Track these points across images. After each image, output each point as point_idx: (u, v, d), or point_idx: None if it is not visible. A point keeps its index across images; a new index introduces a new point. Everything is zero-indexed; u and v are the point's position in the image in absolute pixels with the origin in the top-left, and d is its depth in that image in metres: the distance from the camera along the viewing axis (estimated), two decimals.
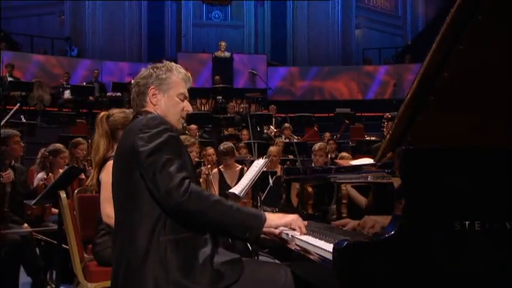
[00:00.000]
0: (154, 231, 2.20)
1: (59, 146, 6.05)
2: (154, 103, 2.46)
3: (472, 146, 2.31)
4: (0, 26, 14.28)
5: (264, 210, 4.88)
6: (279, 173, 5.99)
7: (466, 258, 2.04)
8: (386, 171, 2.20)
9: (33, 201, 4.83)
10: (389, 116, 5.72)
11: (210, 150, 7.01)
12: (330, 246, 2.13)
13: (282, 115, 13.98)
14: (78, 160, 6.48)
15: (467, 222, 2.02)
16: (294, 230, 2.51)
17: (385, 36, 21.49)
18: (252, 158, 7.92)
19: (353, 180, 2.70)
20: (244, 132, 11.80)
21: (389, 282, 2.00)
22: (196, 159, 6.69)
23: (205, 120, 12.52)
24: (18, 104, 11.30)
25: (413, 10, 21.84)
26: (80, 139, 6.93)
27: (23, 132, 8.53)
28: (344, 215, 2.75)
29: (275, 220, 2.41)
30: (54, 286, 4.53)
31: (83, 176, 5.95)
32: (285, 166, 8.04)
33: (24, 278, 4.77)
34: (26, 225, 4.90)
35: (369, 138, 11.24)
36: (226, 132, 12.82)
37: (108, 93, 14.81)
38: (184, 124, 10.36)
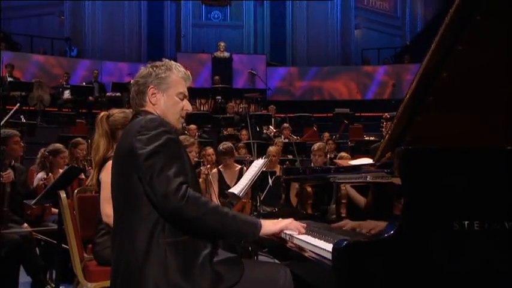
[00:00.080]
0: (154, 234, 2.19)
1: (58, 146, 6.05)
2: (153, 103, 2.44)
3: (471, 146, 2.31)
4: (0, 26, 14.29)
5: (264, 210, 4.93)
6: (278, 173, 5.99)
7: (465, 258, 2.04)
8: (385, 171, 2.21)
9: (33, 201, 4.83)
10: (388, 116, 5.73)
11: (210, 150, 7.01)
12: (329, 246, 2.14)
13: (281, 115, 13.99)
14: (78, 160, 6.48)
15: (466, 222, 2.03)
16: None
17: (384, 37, 21.49)
18: (251, 158, 7.93)
19: (352, 180, 2.70)
20: (244, 132, 11.81)
21: (389, 282, 2.00)
22: (196, 159, 6.69)
23: (204, 120, 12.52)
24: (18, 104, 11.30)
25: (412, 11, 21.85)
26: (79, 139, 6.93)
27: (23, 132, 8.53)
28: (343, 215, 2.75)
29: (270, 227, 2.41)
30: (54, 286, 4.52)
31: (82, 176, 5.95)
32: (284, 166, 8.04)
33: (24, 278, 4.77)
34: (25, 225, 4.91)
35: (367, 138, 11.26)
36: (225, 132, 12.82)
37: (108, 93, 14.82)
38: (184, 124, 10.37)
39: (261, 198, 5.41)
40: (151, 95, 2.44)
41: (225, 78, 16.24)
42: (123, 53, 18.89)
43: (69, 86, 14.59)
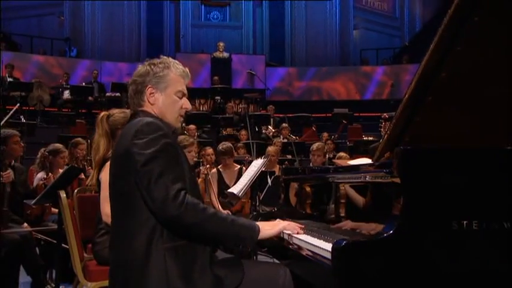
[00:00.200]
0: (153, 240, 2.16)
1: (58, 146, 6.05)
2: (151, 102, 2.40)
3: (470, 146, 2.33)
4: (0, 26, 14.29)
5: (263, 210, 4.94)
6: (277, 173, 6.01)
7: (464, 258, 2.05)
8: (384, 171, 2.21)
9: (33, 201, 4.84)
10: (387, 116, 5.74)
11: (209, 150, 7.02)
12: (328, 246, 2.14)
13: (280, 115, 14.00)
14: (78, 160, 6.49)
15: (465, 222, 2.03)
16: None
17: (383, 37, 21.49)
18: (250, 158, 7.96)
19: (351, 180, 2.71)
20: (243, 132, 11.81)
21: (388, 281, 2.01)
22: (195, 159, 6.70)
23: (203, 121, 12.52)
24: (18, 104, 11.31)
25: (411, 11, 21.85)
26: (79, 139, 6.93)
27: (23, 132, 8.53)
28: (342, 215, 2.75)
29: (268, 230, 2.39)
30: (53, 285, 4.53)
31: (82, 175, 5.96)
32: (283, 166, 8.05)
33: (24, 278, 4.77)
34: (25, 224, 4.91)
35: (366, 138, 11.26)
36: (224, 132, 12.82)
37: (108, 94, 14.81)
38: (183, 124, 10.40)
39: (260, 198, 5.43)
40: (150, 94, 2.40)
41: (224, 79, 16.24)
42: (123, 53, 18.90)
43: (68, 86, 14.59)
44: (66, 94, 14.41)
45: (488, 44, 2.44)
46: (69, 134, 10.35)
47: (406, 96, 2.48)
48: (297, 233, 2.50)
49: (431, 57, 2.37)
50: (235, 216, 2.38)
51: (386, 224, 2.11)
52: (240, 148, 9.42)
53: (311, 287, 2.64)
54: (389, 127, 2.65)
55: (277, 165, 7.38)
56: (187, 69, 2.51)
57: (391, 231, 2.02)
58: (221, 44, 17.48)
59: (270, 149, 7.45)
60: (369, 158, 3.25)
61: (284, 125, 12.25)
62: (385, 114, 6.08)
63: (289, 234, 2.52)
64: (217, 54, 17.33)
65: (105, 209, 3.37)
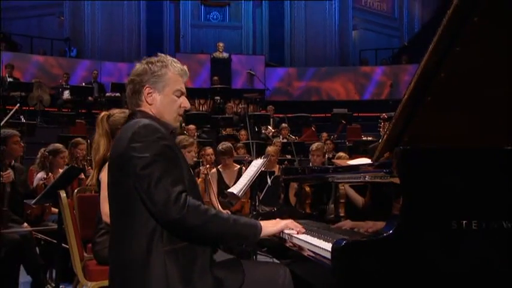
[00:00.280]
0: (152, 243, 2.14)
1: (58, 146, 6.06)
2: (149, 102, 2.37)
3: (469, 146, 2.33)
4: (0, 26, 14.28)
5: (262, 210, 4.94)
6: (277, 173, 6.02)
7: (464, 258, 2.05)
8: (384, 171, 2.22)
9: (33, 201, 4.85)
10: (386, 116, 5.76)
11: (209, 150, 7.03)
12: (328, 245, 2.15)
13: (280, 115, 14.00)
14: (78, 160, 6.49)
15: (464, 222, 2.04)
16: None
17: (382, 37, 21.49)
18: (250, 158, 7.96)
19: (351, 180, 2.72)
20: (243, 132, 11.82)
21: (387, 281, 2.01)
22: (195, 159, 6.71)
23: (203, 121, 12.51)
24: (18, 104, 11.32)
25: (410, 11, 21.84)
26: (79, 139, 6.93)
27: (23, 132, 8.52)
28: (342, 215, 2.76)
29: (270, 227, 2.40)
30: (54, 285, 4.54)
31: (82, 175, 5.97)
32: (283, 166, 8.06)
33: (24, 277, 4.77)
34: (25, 224, 4.91)
35: (365, 138, 11.28)
36: (224, 133, 12.81)
37: (107, 94, 14.80)
38: (183, 124, 10.41)
39: (260, 198, 5.44)
40: (147, 94, 2.37)
41: (224, 79, 16.23)
42: (123, 53, 18.87)
43: (68, 86, 14.59)
44: (66, 94, 14.41)
45: (488, 45, 2.44)
46: (69, 134, 10.34)
47: (405, 96, 2.49)
48: (298, 233, 2.50)
49: (430, 57, 2.37)
50: (236, 215, 2.38)
51: (386, 223, 2.11)
52: (240, 148, 9.42)
53: (311, 287, 2.65)
54: (389, 127, 2.66)
55: (277, 165, 7.39)
56: (185, 67, 2.48)
57: (391, 231, 2.02)
58: (221, 44, 17.47)
59: (270, 149, 7.46)
60: (368, 158, 3.25)
61: (284, 125, 12.25)
62: (384, 114, 6.11)
63: (289, 234, 2.53)
64: (217, 54, 17.32)
65: (105, 208, 3.36)
